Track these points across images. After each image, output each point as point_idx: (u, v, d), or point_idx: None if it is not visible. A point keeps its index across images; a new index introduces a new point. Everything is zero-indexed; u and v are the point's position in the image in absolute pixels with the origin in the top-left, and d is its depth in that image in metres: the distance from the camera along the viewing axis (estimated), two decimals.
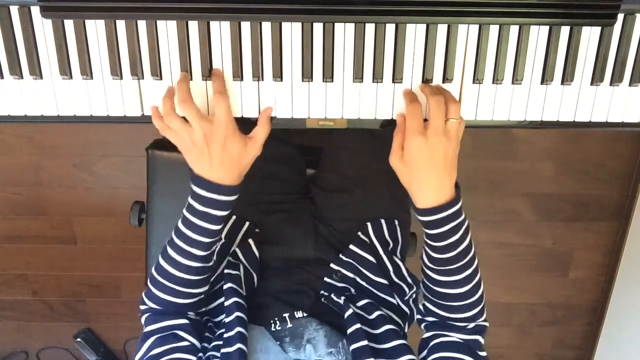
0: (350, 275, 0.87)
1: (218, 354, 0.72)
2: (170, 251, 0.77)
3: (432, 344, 0.77)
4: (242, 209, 0.93)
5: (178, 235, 0.76)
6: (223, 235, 0.93)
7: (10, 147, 1.69)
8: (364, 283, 0.88)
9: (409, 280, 0.91)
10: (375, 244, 0.91)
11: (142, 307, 0.81)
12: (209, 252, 0.77)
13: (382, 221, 0.94)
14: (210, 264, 0.81)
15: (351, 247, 0.89)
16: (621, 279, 1.79)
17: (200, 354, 0.75)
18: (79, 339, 1.91)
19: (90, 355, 1.93)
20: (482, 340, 0.79)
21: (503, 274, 1.89)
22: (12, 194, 1.76)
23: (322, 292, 0.86)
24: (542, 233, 1.82)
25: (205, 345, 0.77)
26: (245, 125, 0.75)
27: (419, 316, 0.84)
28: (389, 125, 0.77)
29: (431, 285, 0.78)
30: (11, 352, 2.02)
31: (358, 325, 0.73)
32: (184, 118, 0.72)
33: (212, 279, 0.88)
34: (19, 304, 1.94)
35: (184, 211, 0.76)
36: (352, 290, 0.88)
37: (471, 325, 0.78)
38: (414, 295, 0.92)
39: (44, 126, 1.65)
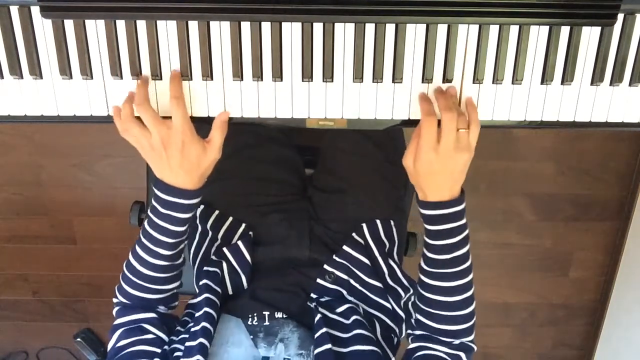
0: (344, 277, 0.87)
1: (182, 347, 0.74)
2: (138, 249, 0.79)
3: (414, 356, 0.77)
4: (238, 211, 0.94)
5: (144, 235, 0.78)
6: (219, 237, 0.93)
7: (10, 147, 1.69)
8: (357, 285, 0.88)
9: (405, 282, 0.91)
10: (370, 245, 0.91)
11: (115, 300, 0.85)
12: (174, 251, 0.79)
13: (378, 222, 0.93)
14: (178, 262, 0.83)
15: (345, 248, 0.89)
16: (621, 279, 1.79)
17: (166, 347, 0.77)
18: (79, 339, 1.91)
19: (90, 355, 1.93)
20: None
21: (503, 274, 1.89)
22: (12, 194, 1.76)
23: (312, 294, 0.86)
24: (542, 233, 1.82)
25: (174, 338, 0.79)
26: (235, 125, 0.76)
27: (409, 330, 0.84)
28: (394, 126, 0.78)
29: (423, 292, 0.79)
30: (11, 352, 2.02)
31: (324, 330, 0.74)
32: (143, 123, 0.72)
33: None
34: (19, 304, 1.94)
35: (149, 212, 0.78)
36: (345, 293, 0.88)
37: (457, 341, 0.78)
38: (411, 298, 0.91)
39: (44, 126, 1.65)
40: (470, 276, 0.77)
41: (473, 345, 0.80)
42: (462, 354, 0.78)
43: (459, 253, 0.75)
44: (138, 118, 0.72)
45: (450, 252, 0.75)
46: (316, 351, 0.72)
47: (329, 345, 0.72)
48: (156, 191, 0.76)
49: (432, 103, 0.74)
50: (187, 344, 0.73)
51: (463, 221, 0.75)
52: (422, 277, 0.79)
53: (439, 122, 0.71)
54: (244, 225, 0.93)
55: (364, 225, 0.92)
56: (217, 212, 0.95)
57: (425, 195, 0.75)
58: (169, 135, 0.71)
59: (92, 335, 1.95)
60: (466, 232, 0.75)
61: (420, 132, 0.72)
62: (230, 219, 0.93)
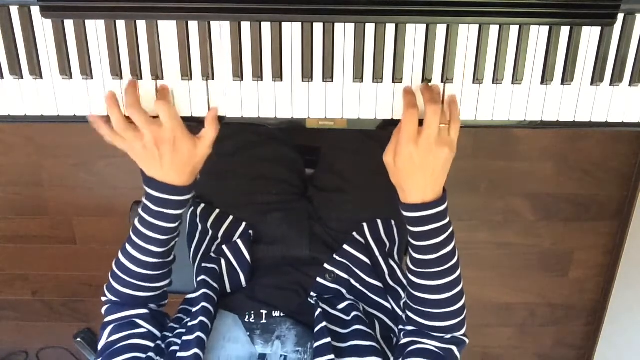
0: (344, 276, 0.87)
1: (179, 341, 0.74)
2: (128, 247, 0.79)
3: (406, 351, 0.77)
4: (238, 209, 0.94)
5: (135, 233, 0.78)
6: (220, 236, 0.93)
7: (10, 147, 1.69)
8: (357, 285, 0.88)
9: (405, 283, 0.91)
10: (371, 245, 0.91)
11: (103, 298, 0.84)
12: (165, 248, 0.80)
13: (379, 221, 0.93)
14: (169, 259, 0.83)
15: (345, 247, 0.89)
16: (621, 279, 1.79)
17: (159, 342, 0.77)
18: (79, 339, 1.92)
19: (90, 355, 1.93)
20: (457, 353, 0.78)
21: (503, 274, 1.89)
22: (12, 194, 1.76)
23: (312, 293, 0.86)
24: (542, 233, 1.82)
25: (168, 334, 0.79)
26: (235, 125, 0.77)
27: (400, 326, 0.84)
28: (385, 127, 0.77)
29: (412, 291, 0.79)
30: (11, 352, 2.02)
31: (324, 324, 0.75)
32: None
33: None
34: (19, 304, 1.94)
35: (140, 211, 0.78)
36: (345, 292, 0.87)
37: (448, 336, 0.78)
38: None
39: (44, 126, 1.65)
40: (458, 272, 0.77)
41: (465, 339, 0.80)
42: (454, 347, 0.78)
43: (445, 251, 0.75)
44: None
45: (436, 251, 0.75)
46: (315, 344, 0.72)
47: (328, 339, 0.72)
48: (148, 189, 0.76)
49: (416, 96, 0.75)
50: (184, 338, 0.73)
51: (446, 220, 0.75)
52: (410, 277, 0.79)
53: (421, 121, 0.71)
54: (244, 224, 0.93)
55: (365, 224, 0.92)
56: (217, 210, 0.95)
57: (406, 196, 0.74)
58: (161, 133, 0.72)
59: (92, 335, 1.95)
60: (450, 229, 0.75)
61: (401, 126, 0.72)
62: (231, 217, 0.93)
